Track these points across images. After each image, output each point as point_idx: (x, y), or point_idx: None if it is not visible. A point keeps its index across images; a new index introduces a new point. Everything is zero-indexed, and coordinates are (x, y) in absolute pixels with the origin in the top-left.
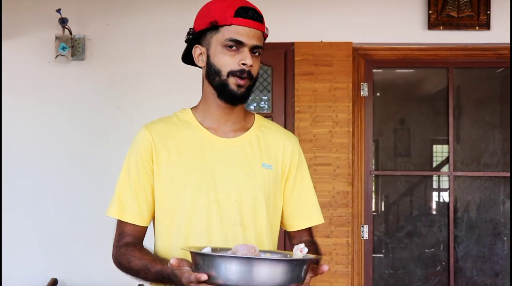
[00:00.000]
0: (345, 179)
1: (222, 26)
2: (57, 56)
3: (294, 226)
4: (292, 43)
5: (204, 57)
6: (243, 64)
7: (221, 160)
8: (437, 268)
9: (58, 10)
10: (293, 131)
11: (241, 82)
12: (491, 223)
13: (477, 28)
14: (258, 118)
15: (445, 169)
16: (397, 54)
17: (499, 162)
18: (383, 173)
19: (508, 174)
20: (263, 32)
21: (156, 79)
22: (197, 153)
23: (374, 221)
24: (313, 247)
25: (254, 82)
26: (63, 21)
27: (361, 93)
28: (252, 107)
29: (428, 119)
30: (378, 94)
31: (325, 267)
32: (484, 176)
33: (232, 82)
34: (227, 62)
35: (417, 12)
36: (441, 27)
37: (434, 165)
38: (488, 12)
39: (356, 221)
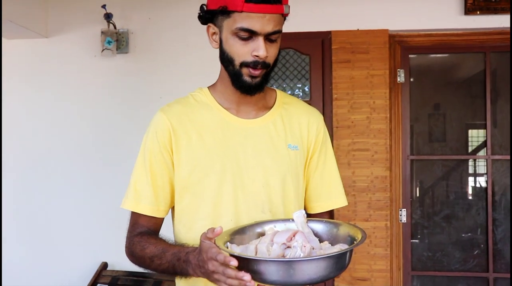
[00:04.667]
0: (383, 164)
1: (233, 12)
2: (103, 50)
3: (315, 208)
4: (329, 32)
5: (217, 39)
6: (256, 55)
7: (245, 142)
8: (476, 251)
9: (103, 6)
10: (331, 119)
11: (255, 73)
12: None
13: None
14: (280, 95)
15: (481, 153)
16: (433, 40)
17: None
18: (419, 158)
19: None
20: (282, 13)
21: (198, 70)
22: (219, 135)
23: (412, 205)
24: None
25: (272, 68)
26: (108, 16)
27: (398, 79)
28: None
29: (464, 103)
30: (412, 79)
31: None
32: None
33: (246, 73)
34: (239, 52)
35: None
36: (478, 12)
37: (470, 149)
38: None
39: (394, 204)
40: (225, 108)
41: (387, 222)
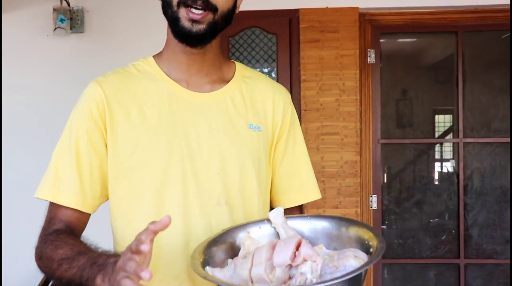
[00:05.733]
0: (353, 148)
1: None
2: (55, 29)
3: (284, 201)
4: (297, 10)
5: None
6: None
7: (197, 120)
8: (447, 237)
9: None
10: (299, 101)
11: (195, 15)
12: (501, 190)
13: None
14: (240, 68)
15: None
16: (405, 18)
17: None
18: (390, 142)
19: None
20: None
21: (157, 50)
22: (165, 111)
23: (382, 191)
24: None
25: (224, 18)
26: None
27: (368, 60)
28: None
29: (435, 86)
30: (382, 60)
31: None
32: (494, 142)
33: (184, 16)
34: None
35: None
36: None
37: (441, 133)
38: None
39: (365, 190)
40: (173, 80)
41: (357, 208)
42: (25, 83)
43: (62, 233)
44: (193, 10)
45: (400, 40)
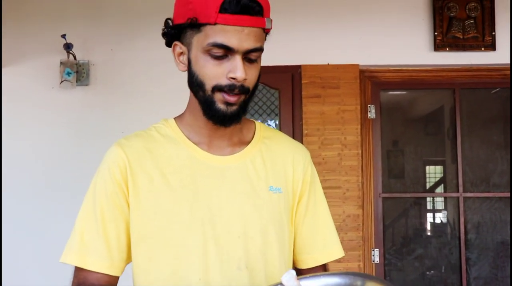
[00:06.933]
0: (355, 202)
1: (204, 25)
2: (62, 81)
3: (307, 261)
4: (299, 66)
5: (185, 60)
6: (233, 78)
7: (218, 184)
8: None
9: (63, 36)
10: None
11: (231, 99)
12: (503, 244)
13: (482, 49)
14: (259, 128)
15: (454, 190)
16: (403, 76)
17: (508, 182)
18: (391, 196)
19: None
20: (263, 28)
21: (162, 104)
22: (187, 176)
23: (384, 244)
24: None
25: (251, 95)
26: (68, 47)
27: (369, 115)
28: None
29: (432, 140)
30: (383, 117)
31: None
32: (494, 197)
33: (219, 99)
34: (212, 73)
35: (423, 34)
36: (447, 49)
37: (442, 187)
38: (493, 33)
39: (367, 244)
40: (194, 143)
41: (360, 262)
42: (30, 134)
43: None
44: (229, 95)
45: (399, 95)
